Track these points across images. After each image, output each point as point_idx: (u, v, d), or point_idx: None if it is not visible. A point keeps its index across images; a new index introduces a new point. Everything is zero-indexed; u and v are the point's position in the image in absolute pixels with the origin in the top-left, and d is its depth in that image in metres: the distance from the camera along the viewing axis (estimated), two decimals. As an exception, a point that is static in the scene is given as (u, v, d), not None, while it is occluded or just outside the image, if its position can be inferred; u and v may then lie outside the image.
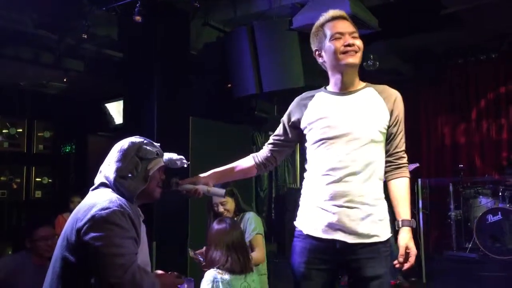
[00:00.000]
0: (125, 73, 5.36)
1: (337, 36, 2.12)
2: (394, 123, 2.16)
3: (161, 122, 4.84)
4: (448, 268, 6.11)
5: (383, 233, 2.07)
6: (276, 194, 7.48)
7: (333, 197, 2.05)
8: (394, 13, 5.58)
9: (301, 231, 2.17)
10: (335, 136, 2.09)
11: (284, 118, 2.34)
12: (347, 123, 2.09)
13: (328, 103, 2.18)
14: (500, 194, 6.22)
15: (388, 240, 2.09)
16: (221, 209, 3.30)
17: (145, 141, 2.06)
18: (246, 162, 2.42)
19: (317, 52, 2.24)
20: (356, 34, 2.16)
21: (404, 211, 2.10)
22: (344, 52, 2.11)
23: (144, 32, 4.89)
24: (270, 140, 2.41)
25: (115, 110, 6.86)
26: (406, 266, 2.03)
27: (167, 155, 2.17)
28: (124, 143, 2.03)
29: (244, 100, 6.24)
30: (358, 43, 2.14)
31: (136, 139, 2.06)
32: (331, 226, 2.04)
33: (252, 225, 3.29)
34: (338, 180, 2.05)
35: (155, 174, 2.04)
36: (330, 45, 2.13)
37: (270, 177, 7.31)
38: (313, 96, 2.26)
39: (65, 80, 6.28)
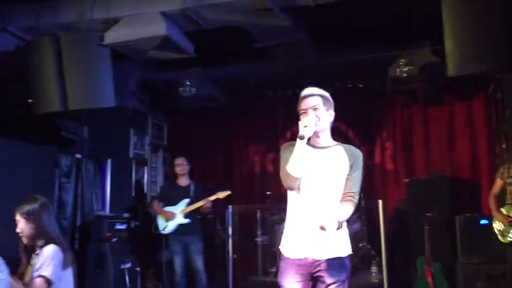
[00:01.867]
0: None
1: (302, 112, 2.82)
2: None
3: None
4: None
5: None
6: (82, 222, 6.86)
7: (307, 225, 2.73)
8: (210, 40, 5.66)
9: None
10: (310, 182, 2.76)
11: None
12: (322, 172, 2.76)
13: (309, 153, 2.77)
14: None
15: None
16: None
17: None
18: None
19: None
20: (319, 106, 2.79)
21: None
22: (304, 123, 2.72)
23: None
24: None
25: None
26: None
27: None
28: None
29: (48, 118, 5.65)
30: (318, 113, 2.77)
31: None
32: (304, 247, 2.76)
33: None
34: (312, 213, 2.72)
35: None
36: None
37: (75, 203, 6.69)
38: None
39: None
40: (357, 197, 2.77)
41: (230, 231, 6.33)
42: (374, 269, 6.23)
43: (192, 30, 5.23)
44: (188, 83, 6.81)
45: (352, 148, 2.85)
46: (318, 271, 2.73)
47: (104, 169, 7.13)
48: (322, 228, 2.50)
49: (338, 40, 6.23)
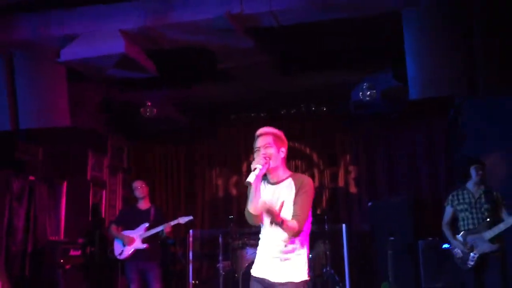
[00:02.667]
0: None
1: (256, 150, 3.02)
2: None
3: None
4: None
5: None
6: (34, 247, 6.51)
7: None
8: (173, 60, 5.56)
9: None
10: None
11: None
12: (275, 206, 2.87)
13: (265, 189, 3.07)
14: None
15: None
16: None
17: None
18: None
19: None
20: (269, 145, 2.97)
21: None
22: (261, 160, 2.94)
23: None
24: None
25: None
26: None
27: None
28: None
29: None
30: (269, 151, 2.96)
31: None
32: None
33: None
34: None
35: None
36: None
37: (26, 228, 6.34)
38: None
39: None
40: (302, 220, 2.93)
41: (190, 256, 6.12)
42: (337, 294, 6.12)
43: (154, 50, 5.12)
44: (149, 104, 6.66)
45: (300, 177, 3.08)
46: None
47: (59, 192, 6.83)
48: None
49: (302, 63, 6.23)
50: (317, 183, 7.72)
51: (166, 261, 6.35)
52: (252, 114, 7.72)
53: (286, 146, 3.09)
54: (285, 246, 2.94)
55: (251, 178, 2.85)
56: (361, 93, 6.29)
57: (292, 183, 3.02)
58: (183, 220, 5.69)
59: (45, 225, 6.55)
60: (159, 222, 5.72)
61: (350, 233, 6.10)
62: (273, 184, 3.07)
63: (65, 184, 6.85)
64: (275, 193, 3.03)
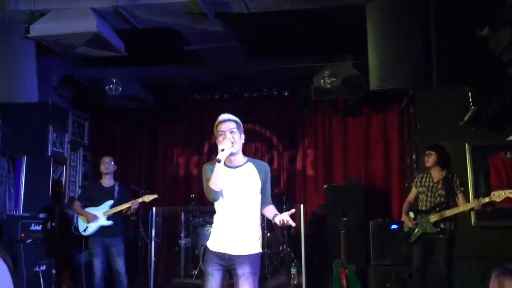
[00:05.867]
0: None
1: (220, 134, 3.29)
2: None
3: None
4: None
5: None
6: (-8, 222, 6.46)
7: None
8: (140, 40, 5.60)
9: None
10: (228, 197, 3.32)
11: None
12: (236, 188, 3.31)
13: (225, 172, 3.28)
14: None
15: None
16: None
17: None
18: None
19: None
20: (234, 130, 3.27)
21: (275, 211, 3.39)
22: (223, 143, 3.22)
23: None
24: None
25: None
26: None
27: None
28: None
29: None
30: (234, 136, 3.26)
31: None
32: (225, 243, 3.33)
33: None
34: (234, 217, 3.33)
35: None
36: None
37: (-15, 202, 6.31)
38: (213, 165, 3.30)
39: None
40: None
41: (153, 233, 6.27)
42: (293, 271, 6.45)
43: (124, 29, 5.16)
44: (115, 82, 6.67)
45: (261, 163, 3.44)
46: (233, 264, 3.27)
47: (19, 167, 6.77)
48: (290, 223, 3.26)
49: (268, 49, 6.42)
50: (276, 165, 8.00)
51: (129, 238, 6.47)
52: (216, 96, 7.85)
53: (243, 133, 3.41)
54: (244, 221, 3.29)
55: (222, 156, 3.13)
56: (322, 80, 6.55)
57: (253, 167, 3.36)
58: (147, 198, 5.81)
59: (4, 200, 6.51)
60: (123, 199, 5.83)
61: (306, 213, 6.39)
62: (232, 168, 3.34)
63: (24, 159, 6.79)
64: (235, 176, 3.32)
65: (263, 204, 3.44)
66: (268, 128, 8.15)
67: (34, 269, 5.72)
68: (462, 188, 4.99)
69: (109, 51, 5.13)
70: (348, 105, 7.68)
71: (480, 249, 5.72)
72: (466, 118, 5.70)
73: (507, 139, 5.98)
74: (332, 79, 6.51)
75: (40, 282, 5.69)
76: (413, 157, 6.70)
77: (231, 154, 3.28)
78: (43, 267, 5.87)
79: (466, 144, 6.05)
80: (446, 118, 6.09)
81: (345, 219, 6.37)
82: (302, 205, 6.25)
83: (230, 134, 3.26)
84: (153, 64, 6.67)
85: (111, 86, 6.64)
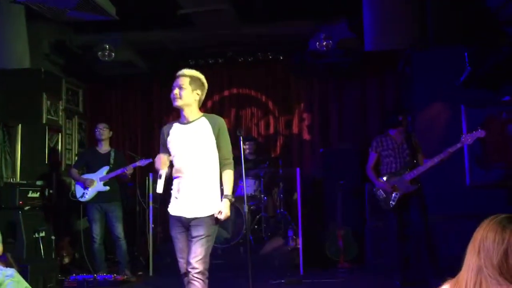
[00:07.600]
0: None
1: (171, 89, 3.32)
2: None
3: None
4: (175, 261, 6.30)
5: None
6: (-10, 190, 6.48)
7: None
8: (132, 4, 5.51)
9: None
10: (181, 155, 3.31)
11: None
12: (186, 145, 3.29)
13: (177, 130, 3.37)
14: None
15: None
16: None
17: None
18: None
19: None
20: (184, 86, 3.27)
21: (226, 189, 3.32)
22: (173, 98, 3.30)
23: None
24: None
25: None
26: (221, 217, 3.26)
27: None
28: None
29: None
30: (181, 92, 3.26)
31: None
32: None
33: None
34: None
35: None
36: None
37: (-18, 170, 6.31)
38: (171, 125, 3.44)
39: None
40: (231, 158, 3.36)
41: (150, 199, 6.31)
42: (290, 233, 6.54)
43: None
44: (107, 47, 6.58)
45: (214, 117, 3.39)
46: (188, 226, 3.27)
47: (14, 135, 6.74)
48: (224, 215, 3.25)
49: (261, 12, 6.32)
50: (272, 130, 7.99)
51: (126, 203, 6.52)
52: (210, 61, 7.76)
53: (204, 91, 3.38)
54: (197, 180, 3.25)
55: (159, 188, 3.21)
56: (317, 43, 6.48)
57: (207, 121, 3.30)
58: (143, 162, 5.83)
59: (1, 167, 6.51)
60: (119, 165, 5.85)
61: (302, 177, 6.44)
62: (184, 124, 3.33)
63: (19, 127, 6.76)
64: (185, 132, 3.30)
65: (222, 164, 3.36)
66: (264, 93, 8.10)
67: (34, 235, 5.78)
68: (421, 146, 5.07)
69: (100, 15, 5.04)
70: (344, 68, 7.61)
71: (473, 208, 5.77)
72: (462, 79, 5.67)
73: (502, 99, 5.97)
74: (327, 41, 6.44)
75: (40, 248, 5.76)
76: (409, 119, 6.68)
77: (181, 108, 3.30)
78: (42, 233, 5.93)
79: (462, 105, 6.04)
80: (442, 79, 6.05)
81: (341, 182, 6.42)
82: (298, 169, 6.27)
83: (175, 90, 3.27)
84: (145, 29, 6.57)
85: (104, 52, 6.54)
